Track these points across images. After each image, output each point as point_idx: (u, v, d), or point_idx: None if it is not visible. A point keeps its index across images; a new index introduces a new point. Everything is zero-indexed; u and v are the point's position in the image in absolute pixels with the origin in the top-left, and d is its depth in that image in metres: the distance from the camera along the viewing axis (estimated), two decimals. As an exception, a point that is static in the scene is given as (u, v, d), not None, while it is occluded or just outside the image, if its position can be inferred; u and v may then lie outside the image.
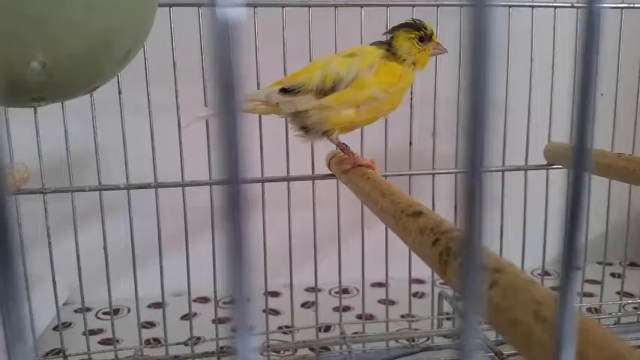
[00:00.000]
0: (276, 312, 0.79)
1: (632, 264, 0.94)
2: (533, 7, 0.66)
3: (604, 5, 0.13)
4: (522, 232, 0.71)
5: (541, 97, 0.69)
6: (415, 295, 0.82)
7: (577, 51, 0.13)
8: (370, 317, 0.77)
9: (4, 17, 0.33)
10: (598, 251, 0.78)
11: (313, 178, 0.64)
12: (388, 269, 0.70)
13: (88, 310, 0.78)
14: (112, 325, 0.65)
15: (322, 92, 0.51)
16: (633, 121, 0.73)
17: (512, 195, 0.71)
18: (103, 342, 0.72)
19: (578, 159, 0.13)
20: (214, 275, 0.65)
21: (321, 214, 0.66)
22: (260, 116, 0.63)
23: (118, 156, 0.61)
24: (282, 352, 0.69)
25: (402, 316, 0.75)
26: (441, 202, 0.66)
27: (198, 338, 0.68)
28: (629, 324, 0.75)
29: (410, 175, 0.68)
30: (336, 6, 0.61)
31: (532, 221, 0.71)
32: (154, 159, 0.61)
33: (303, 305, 0.82)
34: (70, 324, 0.77)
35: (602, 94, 0.73)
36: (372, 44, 0.54)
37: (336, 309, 0.77)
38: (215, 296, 0.68)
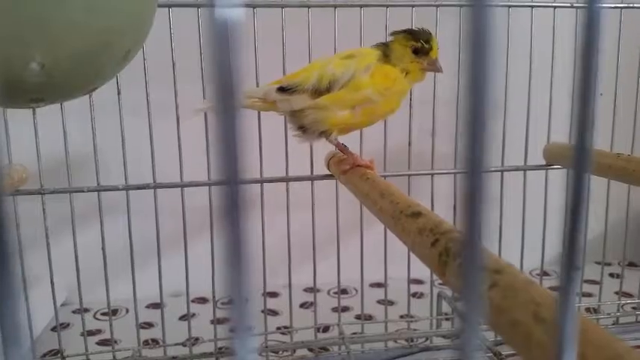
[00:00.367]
0: (274, 312, 0.79)
1: (631, 264, 0.93)
2: (532, 7, 0.66)
3: (604, 5, 0.13)
4: (521, 232, 0.71)
5: (540, 98, 0.69)
6: (414, 295, 0.82)
7: (577, 51, 0.13)
8: (369, 317, 0.77)
9: (3, 18, 0.33)
10: (597, 251, 0.78)
11: (312, 178, 0.64)
12: (387, 269, 0.70)
13: (87, 310, 0.78)
14: (111, 325, 0.65)
15: (318, 92, 0.51)
16: (632, 121, 0.73)
17: (511, 195, 0.71)
18: (102, 343, 0.72)
19: (578, 159, 0.13)
20: (213, 276, 0.65)
21: (320, 214, 0.66)
22: (259, 117, 0.63)
23: (117, 157, 0.61)
24: (280, 352, 0.69)
25: (401, 317, 0.75)
26: (440, 202, 0.66)
27: (197, 339, 0.68)
28: (628, 324, 0.75)
29: (409, 175, 0.68)
30: (335, 6, 0.61)
31: (531, 221, 0.71)
32: (152, 159, 0.61)
33: (302, 306, 0.81)
34: (69, 325, 0.77)
35: (601, 94, 0.73)
36: (373, 46, 0.54)
37: (334, 309, 0.77)
38: (214, 297, 0.68)
